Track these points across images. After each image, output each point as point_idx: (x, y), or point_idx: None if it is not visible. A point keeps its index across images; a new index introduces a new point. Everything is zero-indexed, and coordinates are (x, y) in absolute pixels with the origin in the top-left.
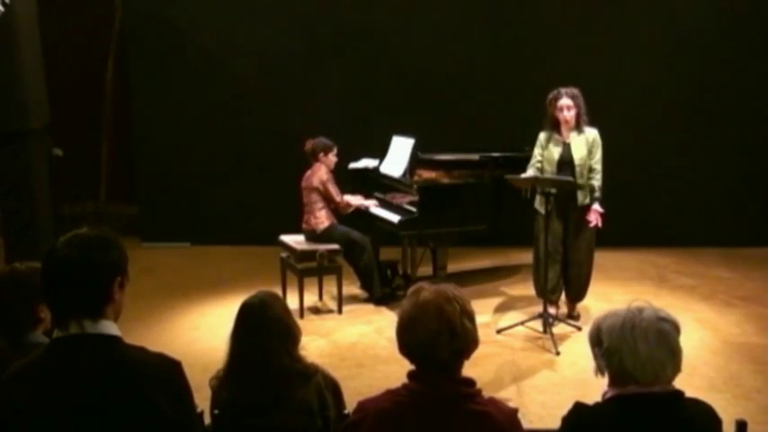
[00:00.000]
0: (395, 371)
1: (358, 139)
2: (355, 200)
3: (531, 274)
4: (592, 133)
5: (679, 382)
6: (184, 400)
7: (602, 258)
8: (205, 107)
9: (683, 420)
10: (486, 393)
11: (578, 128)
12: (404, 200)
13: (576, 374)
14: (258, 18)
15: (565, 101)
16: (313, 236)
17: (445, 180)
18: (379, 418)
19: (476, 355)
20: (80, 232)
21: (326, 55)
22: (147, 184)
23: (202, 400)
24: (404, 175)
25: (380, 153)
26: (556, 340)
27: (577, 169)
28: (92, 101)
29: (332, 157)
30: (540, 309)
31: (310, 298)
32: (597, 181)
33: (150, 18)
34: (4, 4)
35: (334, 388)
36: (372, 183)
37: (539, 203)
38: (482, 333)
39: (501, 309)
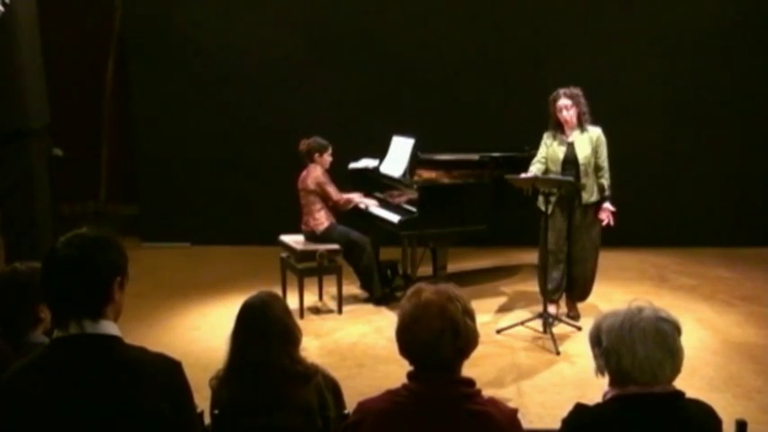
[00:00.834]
0: (395, 371)
1: (358, 139)
2: (356, 196)
3: (530, 274)
4: (595, 132)
5: (679, 382)
6: (184, 400)
7: (602, 258)
8: (205, 107)
9: (684, 420)
10: (486, 393)
11: (581, 127)
12: (403, 198)
13: (576, 374)
14: (258, 18)
15: (563, 101)
16: (312, 237)
17: (445, 180)
18: (379, 419)
19: (476, 355)
20: (80, 232)
21: (326, 55)
22: (147, 184)
23: (202, 400)
24: (404, 175)
25: (380, 153)
26: (556, 340)
27: (582, 168)
28: (92, 101)
29: (327, 157)
30: (540, 308)
31: (310, 298)
32: (606, 180)
33: (150, 18)
34: (4, 4)
35: (334, 388)
36: (372, 183)
37: (541, 203)
38: (482, 333)
39: (501, 309)
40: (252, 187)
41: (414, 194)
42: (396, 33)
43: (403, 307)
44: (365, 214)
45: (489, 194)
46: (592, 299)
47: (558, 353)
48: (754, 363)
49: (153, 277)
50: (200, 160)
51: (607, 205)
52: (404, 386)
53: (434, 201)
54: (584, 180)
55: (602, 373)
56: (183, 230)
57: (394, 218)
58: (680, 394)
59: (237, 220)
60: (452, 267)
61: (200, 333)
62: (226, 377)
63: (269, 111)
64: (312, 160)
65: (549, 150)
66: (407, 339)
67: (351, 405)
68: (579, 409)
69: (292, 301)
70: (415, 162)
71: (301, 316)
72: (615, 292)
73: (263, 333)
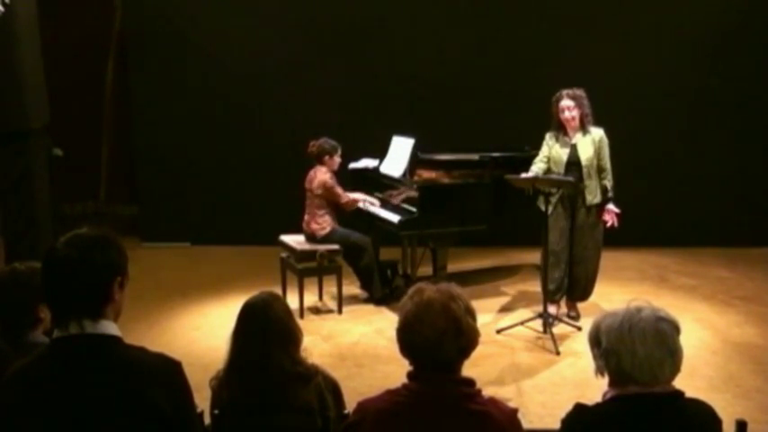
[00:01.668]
0: (395, 371)
1: (358, 139)
2: (360, 195)
3: (531, 274)
4: (598, 133)
5: (679, 382)
6: (184, 400)
7: (602, 258)
8: (205, 107)
9: (684, 420)
10: (487, 393)
11: (583, 128)
12: (401, 195)
13: (576, 374)
14: (258, 18)
15: (566, 102)
16: (312, 239)
17: (445, 180)
18: (379, 419)
19: (476, 355)
20: (80, 232)
21: (327, 55)
22: (147, 184)
23: (202, 400)
24: (404, 175)
25: (380, 153)
26: (556, 340)
27: (584, 170)
28: (92, 101)
29: (336, 159)
30: (540, 308)
31: (310, 298)
32: (609, 181)
33: (150, 18)
34: (4, 4)
35: (334, 388)
36: (372, 183)
37: (541, 203)
38: (482, 333)
39: (501, 309)
40: (252, 187)
41: (412, 191)
42: (396, 33)
43: (405, 306)
44: (365, 214)
45: (489, 194)
46: (592, 299)
47: (558, 353)
48: (754, 363)
49: (153, 277)
50: (200, 160)
51: (611, 207)
52: (404, 386)
53: (434, 201)
54: (586, 182)
55: (602, 374)
56: (182, 230)
57: (394, 218)
58: (680, 394)
59: (237, 220)
60: (452, 267)
61: (201, 333)
62: (226, 377)
63: (269, 111)
64: (322, 162)
65: (552, 151)
66: (409, 338)
67: (351, 405)
68: (579, 409)
69: (292, 301)
70: (415, 162)
71: (301, 316)
72: (615, 292)
73: (264, 333)
